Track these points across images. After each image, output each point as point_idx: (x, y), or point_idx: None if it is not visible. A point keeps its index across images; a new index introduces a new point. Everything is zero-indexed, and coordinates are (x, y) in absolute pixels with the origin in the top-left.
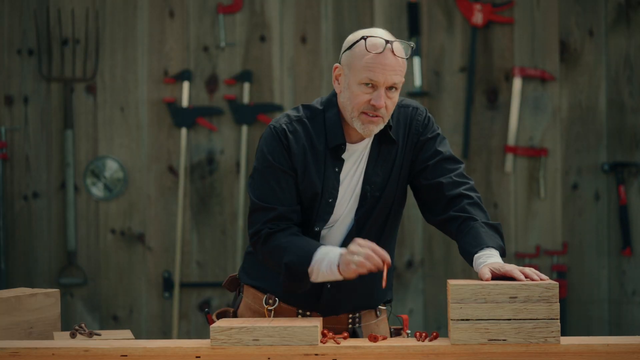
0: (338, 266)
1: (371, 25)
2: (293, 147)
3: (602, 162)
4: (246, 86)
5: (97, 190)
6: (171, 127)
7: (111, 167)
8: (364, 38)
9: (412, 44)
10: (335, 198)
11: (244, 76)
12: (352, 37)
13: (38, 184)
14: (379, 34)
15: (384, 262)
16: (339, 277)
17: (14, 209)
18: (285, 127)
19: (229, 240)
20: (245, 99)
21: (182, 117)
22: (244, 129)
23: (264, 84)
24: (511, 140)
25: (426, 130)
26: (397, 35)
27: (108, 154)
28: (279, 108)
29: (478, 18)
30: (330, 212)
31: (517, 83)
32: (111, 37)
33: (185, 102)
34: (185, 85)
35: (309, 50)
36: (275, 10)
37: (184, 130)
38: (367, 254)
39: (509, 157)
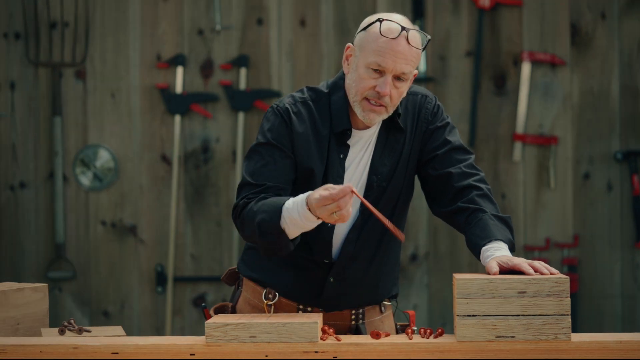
0: (307, 205)
1: (373, 7)
2: (296, 128)
3: (615, 151)
4: (243, 71)
5: (87, 180)
6: (164, 114)
7: (102, 156)
8: (379, 20)
9: (429, 36)
10: None
11: (241, 61)
12: (368, 19)
13: (25, 174)
14: (396, 19)
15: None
16: (314, 220)
17: (0, 200)
18: (288, 107)
19: (224, 232)
20: (242, 85)
21: (176, 103)
22: (241, 115)
23: (262, 69)
24: (520, 127)
25: (435, 118)
26: None
27: (98, 142)
28: (277, 94)
29: (485, 0)
30: None
31: (526, 68)
32: (102, 20)
33: (179, 88)
34: (179, 70)
35: (309, 34)
36: None
37: (177, 118)
38: (339, 204)
39: (518, 146)
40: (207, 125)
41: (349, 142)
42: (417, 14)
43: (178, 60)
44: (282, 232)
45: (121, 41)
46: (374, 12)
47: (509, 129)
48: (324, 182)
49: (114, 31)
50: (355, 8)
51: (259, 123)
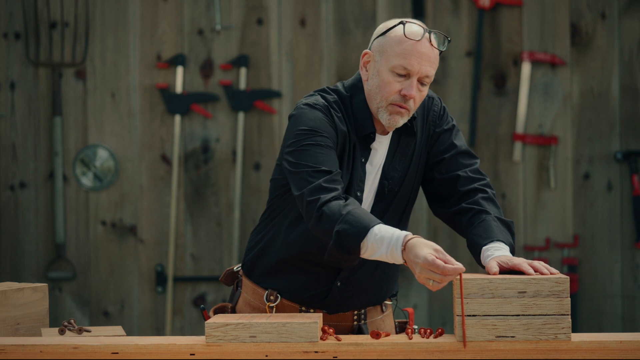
0: (404, 246)
1: (373, 7)
2: (338, 124)
3: (615, 151)
4: (243, 71)
5: (87, 180)
6: (164, 114)
7: (102, 156)
8: (402, 23)
9: (449, 37)
10: (362, 191)
11: (241, 61)
12: (387, 24)
13: (25, 174)
14: (416, 22)
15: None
16: (399, 261)
17: (0, 200)
18: (327, 104)
19: (224, 232)
20: (242, 85)
21: (176, 103)
22: (241, 115)
23: (262, 69)
24: (520, 127)
25: (442, 121)
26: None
27: (98, 142)
28: (277, 94)
29: (485, 0)
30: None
31: (526, 68)
32: (102, 19)
33: (179, 88)
34: (179, 70)
35: (309, 33)
36: None
37: (177, 118)
38: (442, 278)
39: (518, 146)
40: (207, 125)
41: (371, 146)
42: (417, 14)
43: (178, 60)
44: (358, 250)
45: (121, 41)
46: (374, 12)
47: (509, 129)
48: (348, 184)
49: (114, 31)
50: (355, 8)
51: (259, 123)
